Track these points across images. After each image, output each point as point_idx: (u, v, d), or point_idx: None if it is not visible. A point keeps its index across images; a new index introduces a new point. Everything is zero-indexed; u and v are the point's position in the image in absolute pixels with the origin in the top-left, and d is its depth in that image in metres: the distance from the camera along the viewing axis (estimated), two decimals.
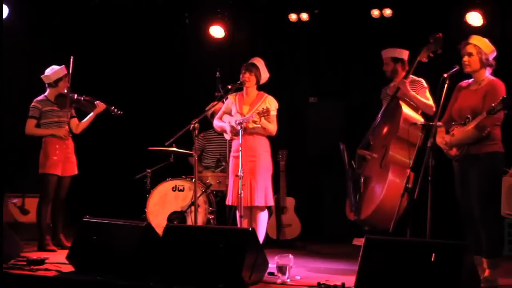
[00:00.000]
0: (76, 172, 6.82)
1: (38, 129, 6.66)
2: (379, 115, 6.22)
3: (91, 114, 6.86)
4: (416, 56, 6.00)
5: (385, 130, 6.15)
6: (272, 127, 6.15)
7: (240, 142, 6.00)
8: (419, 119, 5.87)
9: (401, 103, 5.99)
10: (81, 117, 6.91)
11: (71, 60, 6.69)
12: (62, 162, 6.67)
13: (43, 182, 6.61)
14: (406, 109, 5.92)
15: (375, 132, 6.25)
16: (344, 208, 6.33)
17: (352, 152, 6.29)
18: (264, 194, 6.09)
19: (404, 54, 6.22)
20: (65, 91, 6.73)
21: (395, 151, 5.85)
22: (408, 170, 5.68)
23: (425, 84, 6.02)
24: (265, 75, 6.28)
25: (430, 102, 5.92)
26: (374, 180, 5.98)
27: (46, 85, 6.75)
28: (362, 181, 6.16)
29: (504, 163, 5.26)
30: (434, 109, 5.82)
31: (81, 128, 6.87)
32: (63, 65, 6.75)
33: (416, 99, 5.91)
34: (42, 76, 6.74)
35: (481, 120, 4.89)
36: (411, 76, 6.06)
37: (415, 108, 5.99)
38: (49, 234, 6.68)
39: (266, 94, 6.27)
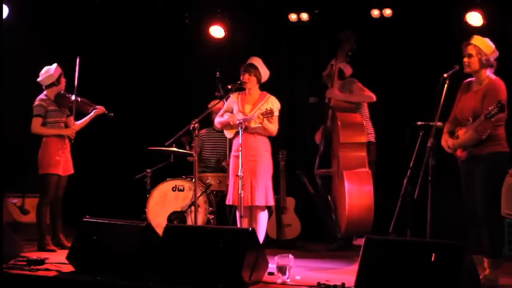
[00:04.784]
0: (73, 171, 6.83)
1: (44, 129, 6.63)
2: (323, 129, 6.38)
3: (91, 114, 6.87)
4: (336, 61, 6.16)
5: (333, 142, 6.28)
6: (273, 127, 6.15)
7: (240, 142, 6.01)
8: (357, 118, 6.00)
9: (337, 112, 6.12)
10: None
11: (78, 60, 6.69)
12: (64, 161, 6.68)
13: (45, 182, 6.61)
14: (341, 116, 6.03)
15: (329, 147, 6.39)
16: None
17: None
18: (264, 194, 6.09)
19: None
20: (63, 91, 6.76)
21: (344, 157, 5.98)
22: (366, 169, 5.78)
23: (355, 80, 6.23)
24: (265, 74, 6.28)
25: (366, 92, 6.15)
26: (339, 194, 6.10)
27: (44, 87, 6.73)
28: (330, 199, 6.25)
29: (509, 163, 5.25)
30: (373, 95, 6.07)
31: (78, 127, 6.86)
32: (56, 64, 6.75)
33: (351, 97, 6.06)
34: (41, 79, 6.71)
35: (480, 124, 4.90)
36: (341, 81, 6.21)
37: (352, 110, 6.12)
38: (49, 234, 6.68)
39: (269, 94, 6.27)
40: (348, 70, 6.69)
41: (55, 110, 6.69)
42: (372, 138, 6.57)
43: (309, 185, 6.62)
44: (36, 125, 6.61)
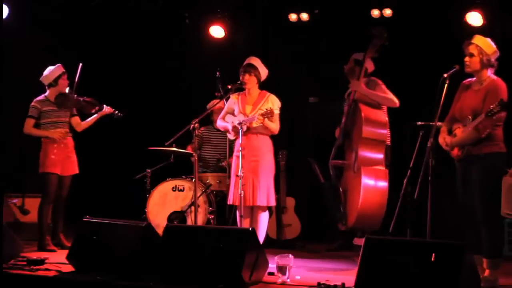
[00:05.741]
0: (76, 171, 6.83)
1: (35, 129, 6.69)
2: (342, 122, 6.30)
3: (96, 115, 6.89)
4: (366, 56, 6.08)
5: (352, 135, 6.22)
6: (275, 126, 6.16)
7: (240, 142, 6.02)
8: (381, 116, 5.93)
9: (360, 105, 6.05)
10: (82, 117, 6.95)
11: (79, 67, 6.71)
12: (62, 161, 6.68)
13: (44, 181, 6.63)
14: (366, 110, 5.97)
15: (346, 139, 6.32)
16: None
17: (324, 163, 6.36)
18: (266, 194, 6.09)
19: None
20: (66, 91, 6.77)
21: (363, 153, 5.90)
22: (383, 167, 5.75)
23: (379, 81, 6.12)
24: (264, 73, 6.29)
25: (390, 95, 6.02)
26: (351, 187, 6.04)
27: (46, 87, 6.78)
28: (341, 191, 6.21)
29: (506, 163, 5.26)
30: (396, 101, 5.94)
31: (83, 127, 6.90)
32: (59, 64, 6.77)
33: (375, 96, 6.00)
34: (41, 78, 6.76)
35: (480, 122, 4.90)
36: (365, 78, 6.15)
37: (376, 107, 6.05)
38: (49, 234, 6.68)
39: (268, 93, 6.28)
40: (370, 67, 6.56)
41: (53, 110, 6.70)
42: (388, 141, 6.45)
43: (320, 174, 6.55)
44: (27, 126, 6.69)
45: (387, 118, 6.07)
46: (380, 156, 5.88)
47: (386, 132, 6.05)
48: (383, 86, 6.22)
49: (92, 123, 6.92)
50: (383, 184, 5.85)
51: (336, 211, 6.33)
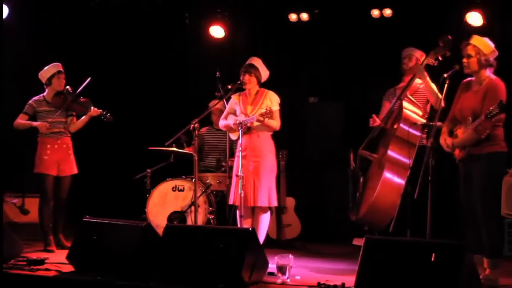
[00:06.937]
0: (75, 171, 6.81)
1: (22, 121, 6.65)
2: (385, 117, 6.25)
3: (84, 116, 6.82)
4: (425, 59, 6.02)
5: (388, 132, 6.19)
6: (275, 123, 6.16)
7: (240, 142, 6.03)
8: (420, 120, 5.89)
9: (404, 104, 6.02)
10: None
11: (88, 80, 6.69)
12: (57, 162, 6.66)
13: (39, 181, 6.63)
14: (407, 110, 5.94)
15: (382, 134, 6.28)
16: (345, 208, 6.36)
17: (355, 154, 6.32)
18: (267, 195, 6.08)
19: (421, 58, 6.24)
20: (64, 91, 6.73)
21: (393, 151, 5.87)
22: (407, 171, 5.72)
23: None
24: (265, 74, 6.29)
25: (440, 96, 5.96)
26: (372, 180, 6.02)
27: (44, 86, 6.77)
28: (361, 181, 6.20)
29: (507, 163, 5.25)
30: (443, 103, 5.84)
31: (75, 128, 6.84)
32: (56, 63, 6.75)
33: (431, 88, 5.92)
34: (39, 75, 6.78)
35: (480, 123, 4.90)
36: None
37: (419, 108, 6.00)
38: (52, 234, 6.66)
39: (267, 90, 6.28)
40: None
41: (47, 111, 6.68)
42: (424, 142, 6.30)
43: (353, 161, 6.54)
44: (17, 119, 6.67)
45: (424, 121, 5.98)
46: (407, 161, 5.84)
47: (419, 134, 5.98)
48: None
49: (82, 125, 6.84)
50: (401, 182, 5.82)
51: (353, 198, 6.31)
